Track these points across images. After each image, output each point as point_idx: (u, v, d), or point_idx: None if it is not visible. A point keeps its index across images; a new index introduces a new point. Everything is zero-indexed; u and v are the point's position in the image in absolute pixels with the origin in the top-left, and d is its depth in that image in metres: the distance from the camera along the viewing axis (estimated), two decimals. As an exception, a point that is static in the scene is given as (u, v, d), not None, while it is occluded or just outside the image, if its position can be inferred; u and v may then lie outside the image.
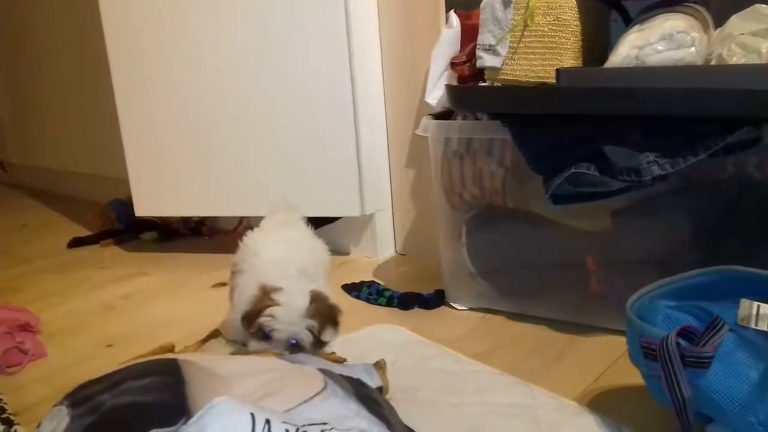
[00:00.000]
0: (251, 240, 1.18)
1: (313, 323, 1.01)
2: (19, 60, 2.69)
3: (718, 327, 0.77)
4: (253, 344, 1.03)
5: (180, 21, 1.60)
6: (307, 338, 1.01)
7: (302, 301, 1.01)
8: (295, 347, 1.01)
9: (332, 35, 1.49)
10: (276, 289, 1.02)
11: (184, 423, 0.63)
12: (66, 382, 1.06)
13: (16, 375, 1.17)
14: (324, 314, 1.02)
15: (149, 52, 1.65)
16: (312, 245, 1.21)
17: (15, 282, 1.68)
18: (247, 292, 1.06)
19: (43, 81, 2.58)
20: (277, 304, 1.00)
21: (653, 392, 0.85)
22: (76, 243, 1.98)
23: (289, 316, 1.00)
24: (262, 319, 1.00)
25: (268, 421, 0.60)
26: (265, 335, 1.01)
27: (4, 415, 0.93)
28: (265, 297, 1.02)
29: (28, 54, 2.62)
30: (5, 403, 0.97)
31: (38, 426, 0.75)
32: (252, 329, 1.02)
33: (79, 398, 0.74)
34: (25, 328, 1.27)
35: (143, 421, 0.67)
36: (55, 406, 0.75)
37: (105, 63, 1.70)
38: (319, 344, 1.03)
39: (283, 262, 1.10)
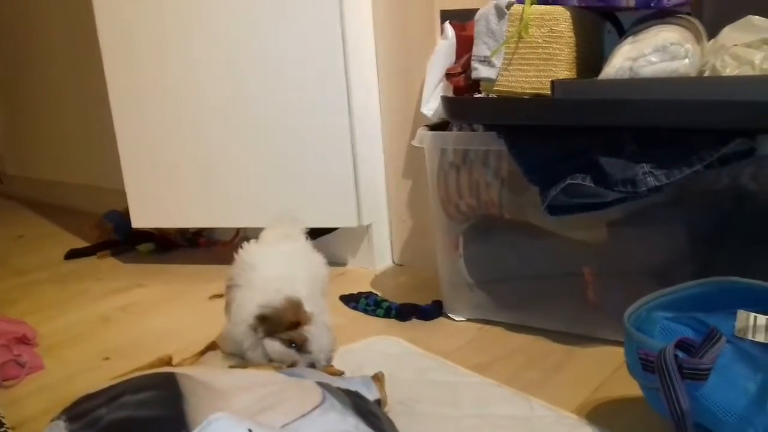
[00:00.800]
0: (247, 254, 1.17)
1: (330, 355, 1.06)
2: (16, 71, 2.69)
3: (715, 339, 0.77)
4: (274, 349, 1.05)
5: (177, 32, 1.61)
6: (322, 366, 1.04)
7: (331, 332, 1.07)
8: (308, 366, 1.04)
9: (328, 47, 1.49)
10: (306, 311, 1.06)
11: (182, 438, 0.63)
12: (63, 395, 1.07)
13: (13, 388, 1.17)
14: (335, 350, 1.09)
15: (145, 63, 1.66)
16: (310, 259, 1.22)
17: (12, 294, 1.67)
18: (246, 307, 1.06)
19: (40, 92, 2.58)
20: (313, 325, 1.04)
21: (652, 404, 0.85)
22: (73, 254, 1.97)
23: (322, 342, 1.05)
24: (304, 334, 1.03)
25: (266, 437, 0.60)
26: (292, 347, 1.03)
27: (2, 429, 0.93)
28: (295, 311, 1.05)
29: (25, 65, 2.62)
30: (3, 417, 0.97)
31: (36, 441, 0.75)
32: (284, 335, 1.04)
33: (77, 413, 0.74)
34: (23, 340, 1.27)
35: (141, 437, 0.67)
36: (52, 420, 0.75)
37: (101, 74, 1.70)
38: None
39: (282, 278, 1.10)
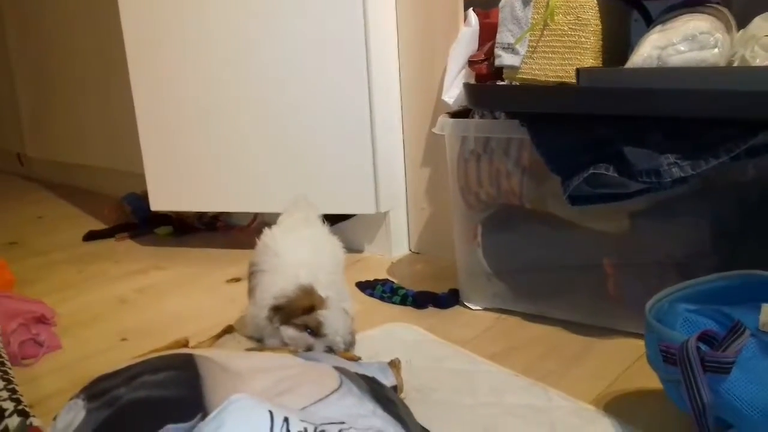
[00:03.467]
0: (271, 239, 1.17)
1: (349, 339, 1.06)
2: (37, 55, 2.70)
3: (739, 332, 0.76)
4: (289, 335, 1.05)
5: (198, 17, 1.61)
6: (340, 349, 1.04)
7: (347, 317, 1.06)
8: (326, 351, 1.04)
9: (349, 33, 1.49)
10: (320, 296, 1.06)
11: (201, 419, 0.63)
12: (80, 375, 1.07)
13: (31, 367, 1.18)
14: (353, 334, 1.08)
15: (167, 48, 1.66)
16: (331, 244, 1.21)
17: (31, 274, 1.68)
18: (271, 290, 1.07)
19: (61, 76, 2.59)
20: (327, 309, 1.04)
21: (672, 397, 0.84)
22: (91, 236, 1.99)
23: (337, 325, 1.04)
24: (317, 318, 1.03)
25: (286, 420, 0.60)
26: (308, 332, 1.03)
27: (20, 407, 0.94)
28: (309, 297, 1.05)
29: (46, 49, 2.63)
30: (21, 395, 0.98)
31: (54, 419, 0.75)
32: (298, 321, 1.04)
33: (96, 392, 0.74)
34: (41, 320, 1.28)
35: (159, 416, 0.67)
36: (71, 399, 0.75)
37: (123, 58, 1.71)
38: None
39: (305, 264, 1.10)
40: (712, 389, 0.75)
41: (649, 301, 0.87)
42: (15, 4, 2.76)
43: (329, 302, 1.05)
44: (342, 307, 1.06)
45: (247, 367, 0.79)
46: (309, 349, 1.03)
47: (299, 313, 1.04)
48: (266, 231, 1.20)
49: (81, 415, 0.71)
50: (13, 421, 0.90)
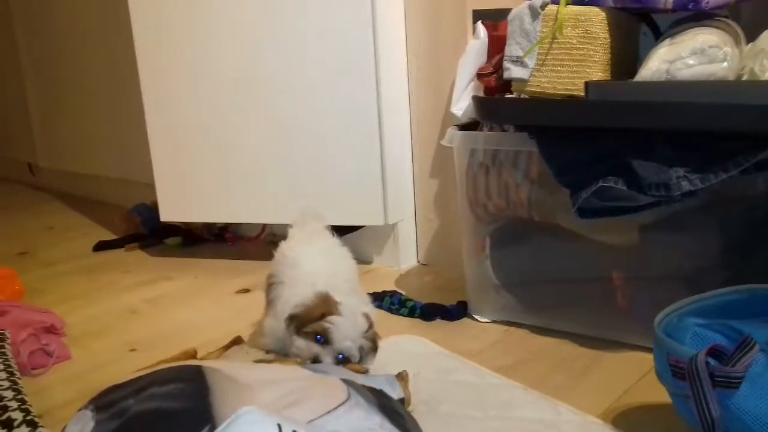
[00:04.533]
0: (288, 250, 1.18)
1: (367, 344, 1.04)
2: (49, 65, 2.73)
3: (748, 347, 0.76)
4: (297, 345, 1.04)
5: (208, 30, 1.62)
6: (355, 357, 1.03)
7: (362, 321, 1.04)
8: (340, 361, 1.02)
9: (358, 44, 1.49)
10: (335, 302, 1.04)
11: (210, 431, 0.63)
12: (90, 385, 1.08)
13: (40, 377, 1.18)
14: (373, 340, 1.06)
15: (177, 60, 1.67)
16: (345, 254, 1.22)
17: (41, 284, 1.69)
18: (291, 301, 1.07)
19: (72, 86, 2.61)
20: (339, 314, 1.02)
21: (680, 411, 0.83)
22: (101, 246, 2.00)
23: (347, 330, 1.02)
24: (323, 324, 1.02)
25: (293, 432, 0.60)
26: (318, 340, 1.02)
27: (29, 417, 0.94)
28: (324, 304, 1.04)
29: (58, 59, 2.65)
30: (30, 405, 0.98)
31: (63, 429, 0.75)
32: (307, 329, 1.03)
33: (104, 403, 0.75)
34: (50, 330, 1.28)
35: (167, 428, 0.67)
36: (80, 410, 0.76)
37: (134, 69, 1.72)
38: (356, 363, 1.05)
39: (325, 273, 1.11)
40: (722, 404, 0.75)
41: (659, 315, 0.87)
42: (26, 15, 2.78)
43: (342, 308, 1.03)
44: (361, 312, 1.05)
45: (255, 379, 0.79)
46: (316, 359, 1.02)
47: (312, 320, 1.04)
48: (283, 243, 1.20)
49: (90, 426, 0.72)
50: (22, 431, 0.90)
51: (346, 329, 1.02)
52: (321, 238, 1.22)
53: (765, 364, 0.77)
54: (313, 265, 1.13)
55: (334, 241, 1.23)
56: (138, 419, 0.69)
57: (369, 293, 1.42)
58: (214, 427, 0.64)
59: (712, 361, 0.77)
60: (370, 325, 1.05)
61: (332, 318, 1.02)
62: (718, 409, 0.74)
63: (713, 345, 0.79)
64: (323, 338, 1.02)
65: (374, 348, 1.06)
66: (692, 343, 0.84)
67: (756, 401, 0.75)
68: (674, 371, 0.79)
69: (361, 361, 1.03)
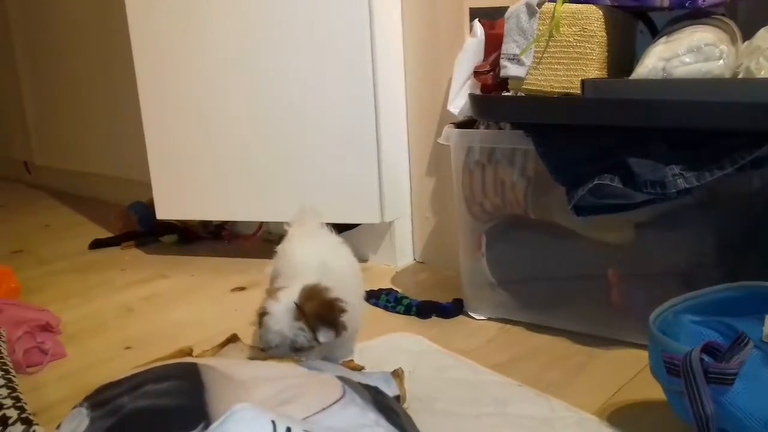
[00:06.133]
0: (287, 247, 1.17)
1: (301, 324, 0.98)
2: (44, 63, 2.72)
3: (742, 343, 0.76)
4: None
5: (205, 28, 1.62)
6: (301, 340, 0.99)
7: (290, 300, 0.99)
8: (296, 349, 1.00)
9: (356, 43, 1.49)
10: (279, 288, 1.02)
11: (204, 428, 0.63)
12: (85, 383, 1.08)
13: (35, 375, 1.18)
14: (316, 313, 0.99)
15: (174, 58, 1.67)
16: (344, 250, 1.21)
17: (36, 282, 1.69)
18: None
19: (68, 84, 2.61)
20: (274, 301, 0.99)
21: (675, 408, 0.83)
22: (97, 244, 1.99)
23: (277, 316, 0.99)
24: (260, 319, 1.00)
25: (288, 429, 0.60)
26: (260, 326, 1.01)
27: (24, 415, 0.94)
28: (268, 297, 1.02)
29: (54, 57, 2.65)
30: (25, 403, 0.98)
31: (58, 427, 0.75)
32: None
33: (99, 400, 0.75)
34: (46, 328, 1.28)
35: (162, 425, 0.67)
36: (75, 407, 0.76)
37: (130, 68, 1.72)
38: (317, 344, 1.00)
39: (321, 269, 1.08)
40: (716, 401, 0.75)
41: (653, 312, 0.87)
42: (23, 14, 2.78)
43: (282, 293, 1.00)
44: (298, 288, 1.01)
45: (251, 376, 0.79)
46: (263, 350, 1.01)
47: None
48: (285, 240, 1.20)
49: (84, 423, 0.71)
50: (17, 429, 0.90)
51: (275, 315, 0.99)
52: (319, 235, 1.21)
53: (759, 360, 0.77)
54: (306, 260, 1.11)
55: (332, 238, 1.22)
56: (133, 417, 0.69)
57: (365, 291, 1.43)
58: (209, 424, 0.64)
59: (706, 358, 0.77)
60: (307, 297, 1.00)
61: (262, 308, 1.00)
62: (712, 405, 0.75)
63: (708, 342, 0.79)
64: (260, 324, 1.00)
65: (325, 320, 1.00)
66: (687, 340, 0.84)
67: (749, 398, 0.75)
68: (669, 368, 0.80)
69: (302, 350, 1.00)
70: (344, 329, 1.02)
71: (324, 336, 1.00)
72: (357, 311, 1.10)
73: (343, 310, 1.02)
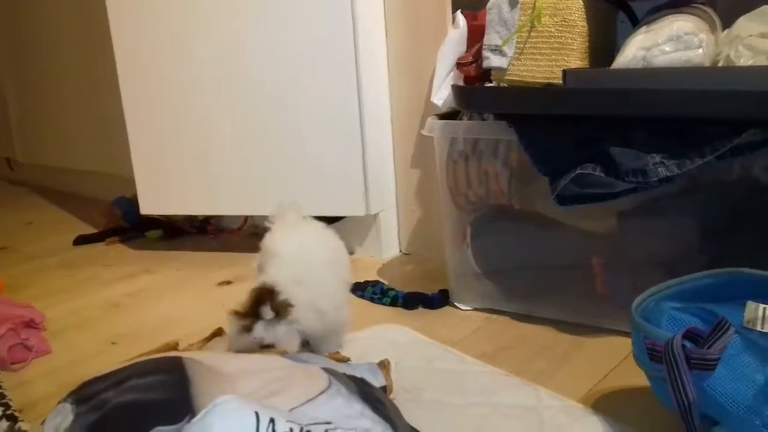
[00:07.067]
0: (268, 241, 1.17)
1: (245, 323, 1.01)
2: (26, 59, 2.70)
3: (723, 329, 0.77)
4: None
5: (186, 22, 1.61)
6: (258, 337, 1.01)
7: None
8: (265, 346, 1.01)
9: (338, 34, 1.49)
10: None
11: (188, 421, 0.63)
12: (70, 379, 1.07)
13: (20, 371, 1.18)
14: (252, 312, 1.02)
15: (156, 53, 1.66)
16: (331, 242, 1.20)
17: (20, 279, 1.68)
18: None
19: (50, 80, 2.59)
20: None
21: (658, 394, 0.84)
22: (81, 240, 1.98)
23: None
24: None
25: (272, 420, 0.60)
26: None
27: (9, 412, 0.94)
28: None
29: (35, 53, 2.62)
30: (9, 400, 0.98)
31: (42, 423, 0.75)
32: None
33: (84, 395, 0.74)
34: (30, 324, 1.27)
35: (147, 419, 0.67)
36: (59, 403, 0.75)
37: (112, 63, 1.71)
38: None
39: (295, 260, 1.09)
40: (698, 386, 0.76)
41: (636, 299, 0.88)
42: (3, 9, 2.75)
43: None
44: None
45: (236, 369, 0.79)
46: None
47: None
48: (269, 234, 1.19)
49: (69, 418, 0.71)
50: (2, 426, 0.90)
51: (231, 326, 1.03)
52: (298, 228, 1.20)
53: (740, 346, 0.78)
54: (279, 254, 1.10)
55: (314, 229, 1.21)
56: (117, 411, 0.69)
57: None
58: (194, 417, 0.64)
59: (688, 344, 0.78)
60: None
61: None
62: (694, 391, 0.75)
63: (689, 328, 0.80)
64: None
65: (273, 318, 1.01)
66: (669, 326, 0.85)
67: (731, 383, 0.76)
68: (651, 354, 0.80)
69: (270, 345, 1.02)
70: (285, 313, 1.02)
71: (260, 331, 1.00)
72: (340, 301, 1.10)
73: (270, 294, 1.02)
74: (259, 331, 1.00)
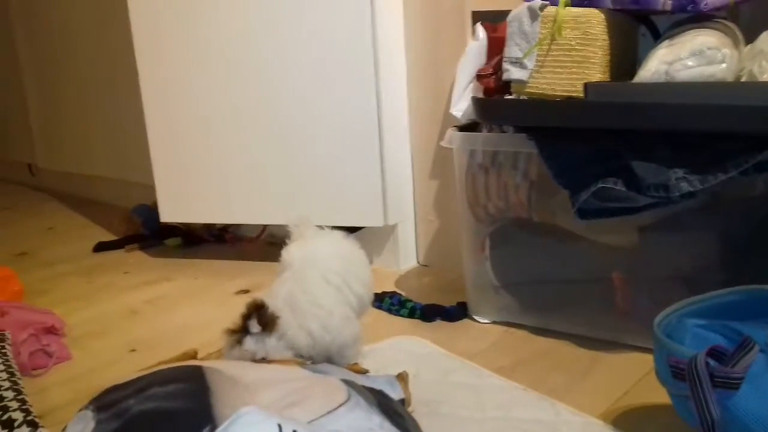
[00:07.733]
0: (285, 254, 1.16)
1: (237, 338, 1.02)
2: (48, 65, 2.73)
3: (748, 347, 0.76)
4: None
5: (208, 30, 1.62)
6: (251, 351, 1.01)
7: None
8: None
9: (358, 46, 1.50)
10: None
11: (210, 431, 0.63)
12: (90, 386, 1.08)
13: (40, 377, 1.19)
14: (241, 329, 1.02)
15: (177, 60, 1.67)
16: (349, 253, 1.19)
17: (41, 285, 1.69)
18: None
19: (72, 86, 2.62)
20: None
21: (680, 412, 0.83)
22: (101, 247, 2.00)
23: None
24: None
25: (294, 432, 0.60)
26: None
27: (29, 418, 0.94)
28: None
29: (57, 60, 2.65)
30: (30, 405, 0.98)
31: (63, 429, 0.75)
32: None
33: (105, 403, 0.75)
34: (51, 331, 1.28)
35: (168, 428, 0.67)
36: (80, 410, 0.76)
37: (133, 70, 1.72)
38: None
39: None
40: (722, 405, 0.75)
41: (658, 316, 0.87)
42: (25, 16, 2.78)
43: None
44: None
45: (256, 379, 0.79)
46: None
47: None
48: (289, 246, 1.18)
49: (90, 426, 0.72)
50: (23, 431, 0.90)
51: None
52: (312, 241, 1.18)
53: (765, 364, 0.77)
54: (287, 268, 1.11)
55: (331, 241, 1.19)
56: (139, 419, 0.69)
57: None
58: (214, 427, 0.64)
59: (711, 362, 0.77)
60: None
61: None
62: (718, 409, 0.75)
63: (713, 346, 0.79)
64: None
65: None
66: (692, 343, 0.84)
67: (756, 402, 0.75)
68: (674, 372, 0.80)
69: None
70: (272, 326, 1.02)
71: (250, 344, 1.01)
72: (337, 320, 1.07)
73: (258, 308, 1.02)
74: (249, 344, 1.00)
